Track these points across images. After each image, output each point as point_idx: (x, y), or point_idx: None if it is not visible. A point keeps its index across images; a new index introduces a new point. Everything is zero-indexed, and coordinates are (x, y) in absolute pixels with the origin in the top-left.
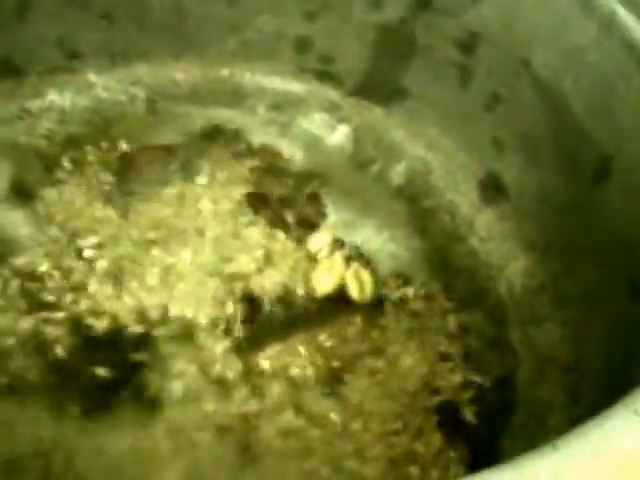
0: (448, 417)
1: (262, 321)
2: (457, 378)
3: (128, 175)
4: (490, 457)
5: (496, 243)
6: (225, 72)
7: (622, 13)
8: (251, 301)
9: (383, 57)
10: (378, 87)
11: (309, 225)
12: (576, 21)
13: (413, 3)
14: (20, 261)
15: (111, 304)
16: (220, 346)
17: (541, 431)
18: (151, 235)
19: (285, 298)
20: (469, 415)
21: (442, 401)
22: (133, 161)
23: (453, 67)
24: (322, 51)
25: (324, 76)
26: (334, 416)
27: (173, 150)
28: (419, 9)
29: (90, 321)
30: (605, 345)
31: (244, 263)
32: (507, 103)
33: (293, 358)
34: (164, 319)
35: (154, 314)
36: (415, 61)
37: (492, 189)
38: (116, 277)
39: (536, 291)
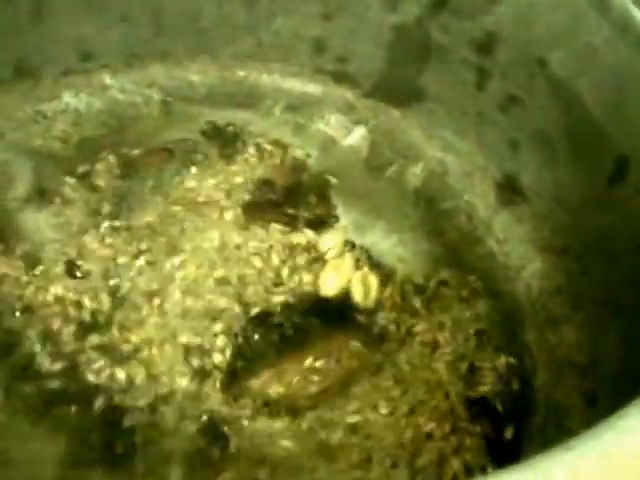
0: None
1: (260, 337)
2: (470, 382)
3: (137, 178)
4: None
5: (513, 245)
6: (241, 73)
7: (636, 13)
8: (255, 313)
9: (399, 58)
10: (394, 88)
11: (319, 226)
12: (591, 21)
13: (429, 4)
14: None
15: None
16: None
17: (559, 434)
18: (157, 248)
19: (289, 305)
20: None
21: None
22: (144, 163)
23: (469, 68)
24: (338, 52)
25: (340, 77)
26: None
27: (186, 151)
28: (435, 10)
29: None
30: (622, 347)
31: (250, 268)
32: (523, 104)
33: (286, 383)
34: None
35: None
36: (431, 62)
37: (509, 190)
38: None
39: (553, 293)
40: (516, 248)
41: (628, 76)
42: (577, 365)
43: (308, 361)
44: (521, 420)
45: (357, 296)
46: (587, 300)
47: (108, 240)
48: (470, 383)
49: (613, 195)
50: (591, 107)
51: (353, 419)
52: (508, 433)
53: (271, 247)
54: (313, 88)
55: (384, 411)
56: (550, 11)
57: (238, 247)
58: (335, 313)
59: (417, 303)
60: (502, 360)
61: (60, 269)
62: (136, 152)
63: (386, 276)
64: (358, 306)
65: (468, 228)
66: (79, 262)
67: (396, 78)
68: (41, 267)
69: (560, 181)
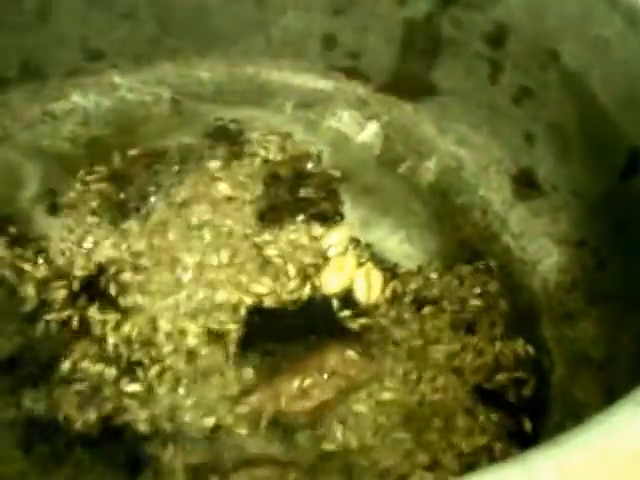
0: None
1: (254, 352)
2: (487, 379)
3: (146, 178)
4: None
5: (529, 239)
6: (251, 70)
7: None
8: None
9: (411, 52)
10: (407, 83)
11: (325, 223)
12: (601, 13)
13: None
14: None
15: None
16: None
17: None
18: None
19: (286, 312)
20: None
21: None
22: (152, 163)
23: (482, 61)
24: (349, 48)
25: (352, 73)
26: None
27: (196, 150)
28: (445, 3)
29: None
30: (639, 341)
31: (256, 269)
32: (536, 96)
33: (282, 400)
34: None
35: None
36: (443, 56)
37: (525, 184)
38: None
39: (569, 287)
40: (532, 242)
41: (638, 70)
42: (594, 360)
43: (303, 376)
44: (538, 415)
45: (359, 294)
46: (603, 294)
47: (120, 240)
48: (485, 378)
49: (627, 188)
50: (603, 100)
51: (355, 430)
52: (527, 426)
53: (278, 245)
54: (324, 84)
55: (389, 417)
56: (560, 2)
57: (248, 245)
58: (331, 320)
59: (423, 301)
60: (519, 352)
61: (75, 269)
62: (143, 152)
63: (391, 273)
64: (360, 304)
65: (483, 223)
66: (91, 262)
67: (408, 73)
68: (55, 266)
69: (575, 174)
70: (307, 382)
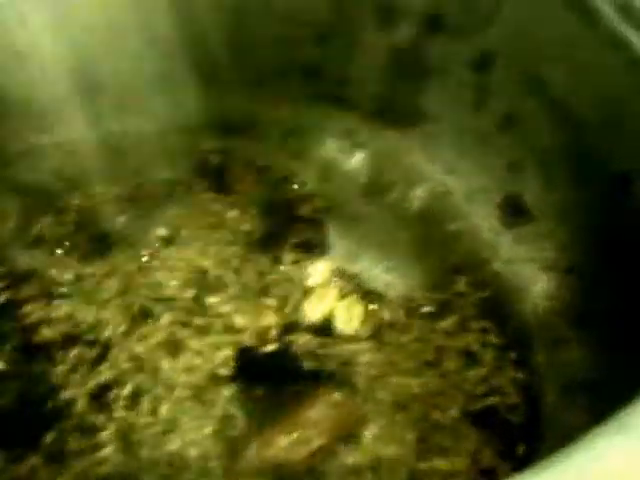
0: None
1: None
2: (478, 405)
3: (131, 213)
4: None
5: (519, 265)
6: (237, 101)
7: (626, 30)
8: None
9: (397, 80)
10: (393, 111)
11: (310, 254)
12: (583, 38)
13: (425, 24)
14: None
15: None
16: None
17: None
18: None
19: (273, 345)
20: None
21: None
22: (141, 197)
23: (467, 88)
24: (335, 76)
25: (338, 101)
26: None
27: (181, 182)
28: (431, 30)
29: None
30: (632, 365)
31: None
32: (522, 123)
33: (276, 452)
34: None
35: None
36: (429, 83)
37: (513, 211)
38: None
39: (560, 313)
40: (522, 269)
41: (624, 92)
42: (586, 384)
43: (295, 426)
44: (530, 440)
45: (340, 323)
46: (593, 319)
47: (104, 279)
48: (476, 402)
49: (616, 212)
50: (588, 125)
51: (355, 470)
52: (520, 451)
53: (263, 277)
54: (310, 113)
55: (388, 451)
56: (544, 29)
57: (232, 278)
58: (314, 357)
59: (409, 330)
60: (511, 377)
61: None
62: (129, 185)
63: (376, 304)
64: (342, 336)
65: (472, 250)
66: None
67: (394, 100)
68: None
69: (562, 200)
70: (300, 431)
